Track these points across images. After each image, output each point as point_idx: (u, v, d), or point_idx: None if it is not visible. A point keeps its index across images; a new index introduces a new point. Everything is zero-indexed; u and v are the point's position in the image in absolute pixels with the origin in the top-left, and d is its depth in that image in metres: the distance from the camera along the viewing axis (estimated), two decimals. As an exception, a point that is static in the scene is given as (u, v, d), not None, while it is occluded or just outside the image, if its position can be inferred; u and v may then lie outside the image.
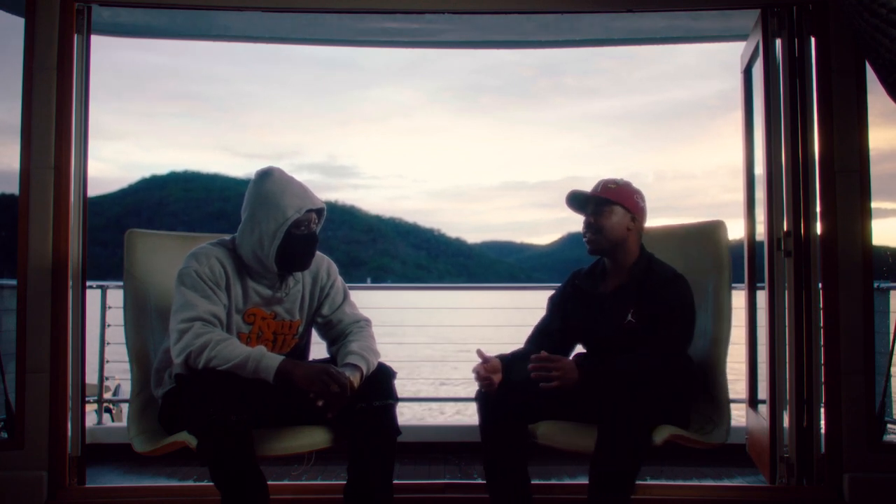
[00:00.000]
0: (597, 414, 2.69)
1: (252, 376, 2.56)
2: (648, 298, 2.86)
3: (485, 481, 2.87)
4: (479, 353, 2.86)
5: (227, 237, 2.89)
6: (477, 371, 2.83)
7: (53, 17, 3.32)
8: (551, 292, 3.22)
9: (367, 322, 2.99)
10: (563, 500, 3.27)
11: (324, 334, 3.02)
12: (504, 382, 2.81)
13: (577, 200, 3.01)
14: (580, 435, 2.79)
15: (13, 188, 3.32)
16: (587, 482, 2.63)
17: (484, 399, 2.86)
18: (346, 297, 3.02)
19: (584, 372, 2.68)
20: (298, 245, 2.77)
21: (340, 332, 2.93)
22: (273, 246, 2.72)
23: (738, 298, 3.90)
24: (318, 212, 2.84)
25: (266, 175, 2.79)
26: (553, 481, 3.60)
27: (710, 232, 3.22)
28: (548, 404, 2.88)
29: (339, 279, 3.02)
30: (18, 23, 3.31)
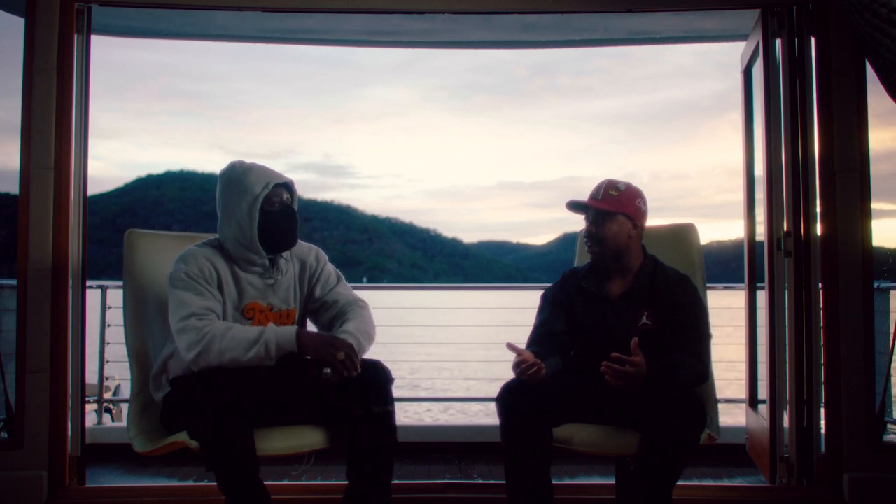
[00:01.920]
0: (625, 416, 2.69)
1: (276, 356, 2.57)
2: (662, 300, 2.85)
3: (500, 483, 2.82)
4: (511, 346, 2.75)
5: (212, 236, 2.89)
6: (519, 362, 2.71)
7: (53, 17, 3.31)
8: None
9: (365, 304, 2.98)
10: (565, 499, 3.27)
11: (318, 318, 2.99)
12: (523, 384, 2.77)
13: (577, 206, 2.99)
14: (617, 438, 2.75)
15: (13, 188, 3.32)
16: (589, 482, 2.61)
17: (506, 400, 2.80)
18: (339, 279, 3.01)
19: (651, 373, 2.62)
20: (276, 221, 2.78)
21: (337, 312, 2.91)
22: (252, 227, 2.72)
23: (738, 298, 3.92)
24: (287, 187, 2.84)
25: (228, 168, 2.83)
26: (553, 481, 3.59)
27: (681, 235, 3.23)
28: (569, 406, 2.84)
29: (330, 264, 3.01)
30: (18, 23, 3.31)
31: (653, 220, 3.04)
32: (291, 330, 2.61)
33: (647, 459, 2.58)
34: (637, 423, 2.67)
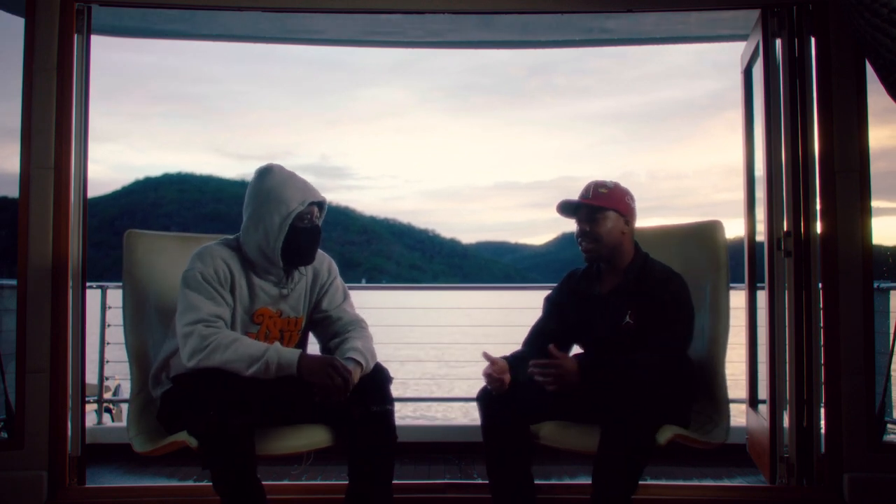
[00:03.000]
0: (599, 414, 2.69)
1: (275, 376, 2.58)
2: (647, 298, 2.85)
3: (487, 482, 2.85)
4: (486, 355, 2.84)
5: (231, 237, 2.89)
6: (487, 374, 2.81)
7: (53, 17, 3.31)
8: (546, 292, 3.20)
9: (366, 324, 2.99)
10: (564, 500, 3.28)
11: (320, 331, 3.00)
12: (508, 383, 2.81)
13: (568, 208, 3.01)
14: (583, 435, 2.79)
15: (12, 191, 3.32)
16: (589, 482, 2.63)
17: (486, 400, 2.85)
18: (346, 296, 3.02)
19: (585, 371, 2.68)
20: (303, 238, 2.78)
21: (340, 329, 2.92)
22: (279, 240, 2.73)
23: (738, 298, 3.91)
24: (320, 205, 2.86)
25: (266, 172, 2.81)
26: (553, 481, 3.60)
27: (707, 232, 3.22)
28: (550, 405, 2.87)
29: (340, 278, 3.03)
30: (18, 23, 3.31)
31: (650, 220, 3.06)
32: (294, 353, 2.62)
33: (600, 457, 2.62)
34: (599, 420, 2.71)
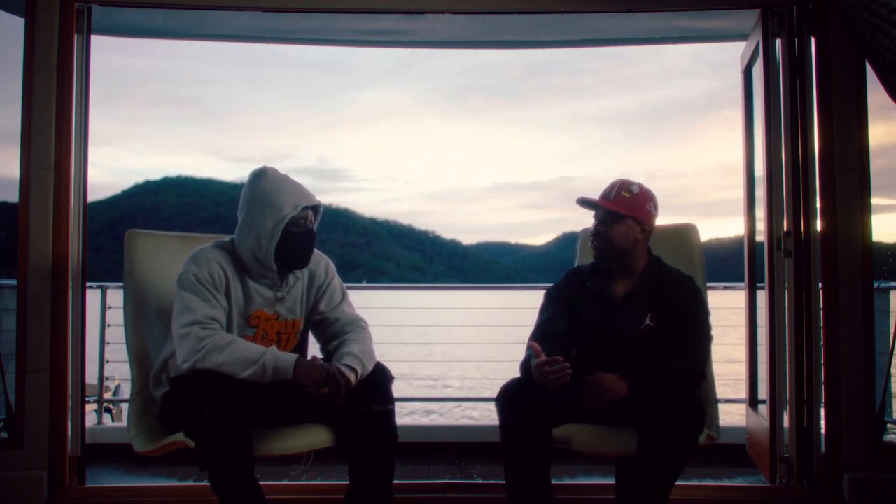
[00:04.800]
0: (625, 416, 2.68)
1: (271, 380, 2.57)
2: (665, 302, 2.85)
3: (504, 483, 2.81)
4: (534, 345, 2.72)
5: (226, 238, 2.88)
6: (548, 362, 2.63)
7: (53, 17, 3.31)
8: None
9: (366, 323, 2.97)
10: (565, 499, 3.27)
11: (320, 332, 2.99)
12: (525, 384, 2.78)
13: (587, 204, 2.97)
14: (618, 439, 2.75)
15: (11, 195, 3.32)
16: (590, 482, 2.60)
17: (506, 399, 2.79)
18: (344, 296, 3.00)
19: (632, 384, 2.63)
20: (297, 243, 2.77)
21: (338, 330, 2.91)
22: (271, 245, 2.71)
23: (738, 298, 3.92)
24: (315, 209, 2.83)
25: (260, 175, 2.79)
26: (554, 481, 3.58)
27: (682, 235, 3.24)
28: (570, 407, 2.83)
29: (337, 278, 3.01)
30: (18, 23, 3.31)
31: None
32: (291, 358, 2.60)
33: (644, 460, 2.59)
34: (636, 423, 2.67)
